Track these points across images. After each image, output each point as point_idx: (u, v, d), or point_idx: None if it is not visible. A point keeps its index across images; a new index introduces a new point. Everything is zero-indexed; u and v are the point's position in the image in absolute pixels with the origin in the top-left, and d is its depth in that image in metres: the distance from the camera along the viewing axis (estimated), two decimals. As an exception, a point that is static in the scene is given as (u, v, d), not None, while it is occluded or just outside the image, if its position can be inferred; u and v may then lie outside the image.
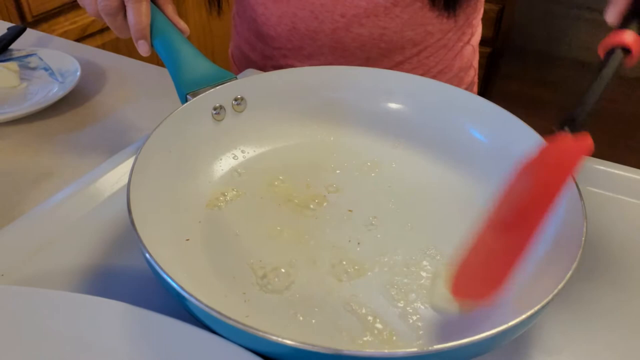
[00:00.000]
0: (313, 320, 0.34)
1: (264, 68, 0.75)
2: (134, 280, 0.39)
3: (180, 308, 0.31)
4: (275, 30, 0.70)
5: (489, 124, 0.46)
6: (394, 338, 0.33)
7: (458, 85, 0.76)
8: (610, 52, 0.37)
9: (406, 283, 0.37)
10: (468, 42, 0.74)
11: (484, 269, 0.33)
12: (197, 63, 0.47)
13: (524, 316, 0.28)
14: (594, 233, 0.41)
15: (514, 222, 0.33)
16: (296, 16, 0.68)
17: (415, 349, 0.27)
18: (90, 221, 0.44)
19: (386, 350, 0.32)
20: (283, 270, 0.38)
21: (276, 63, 0.74)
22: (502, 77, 1.72)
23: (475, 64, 0.79)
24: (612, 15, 0.40)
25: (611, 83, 0.36)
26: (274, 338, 0.27)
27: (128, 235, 0.32)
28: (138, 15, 0.48)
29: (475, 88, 0.82)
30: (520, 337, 0.36)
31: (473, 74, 0.78)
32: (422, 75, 0.71)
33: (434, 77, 0.73)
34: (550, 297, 0.29)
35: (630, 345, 0.36)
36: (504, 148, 0.44)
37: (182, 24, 0.52)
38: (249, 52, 0.77)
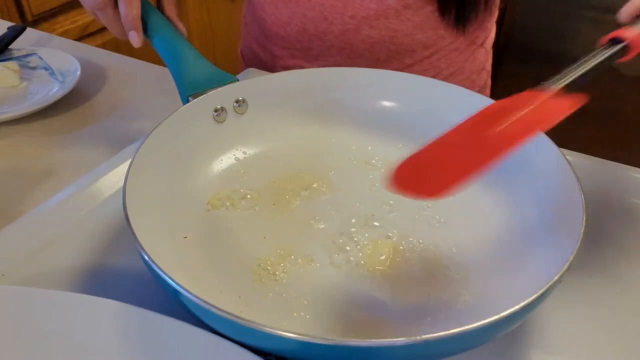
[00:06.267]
0: (307, 316, 0.35)
1: (273, 68, 0.75)
2: (134, 280, 0.39)
3: (179, 308, 0.31)
4: (285, 31, 0.70)
5: None
6: (390, 331, 0.34)
7: (470, 88, 0.75)
8: (608, 44, 0.38)
9: (402, 279, 0.37)
10: (481, 45, 0.74)
11: (433, 168, 0.33)
12: (199, 65, 0.48)
13: (516, 307, 0.28)
14: (594, 232, 0.41)
15: (478, 141, 0.33)
16: (305, 17, 0.68)
17: (403, 338, 0.27)
18: (90, 221, 0.44)
19: (373, 340, 0.32)
20: (279, 267, 0.38)
21: (285, 63, 0.74)
22: (504, 77, 1.72)
23: (488, 66, 0.78)
24: (624, 14, 0.41)
25: (600, 69, 0.37)
26: (268, 330, 0.27)
27: (128, 235, 0.32)
28: (128, 7, 0.49)
29: (488, 91, 0.81)
30: (520, 336, 0.36)
31: (485, 77, 0.78)
32: (432, 77, 0.71)
33: (444, 79, 0.72)
34: (545, 288, 0.29)
35: (630, 345, 0.36)
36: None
37: (181, 26, 0.52)
38: (259, 52, 0.77)
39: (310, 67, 0.72)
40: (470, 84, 0.75)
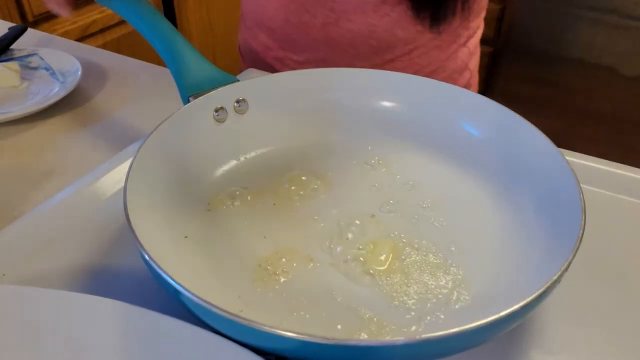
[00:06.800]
0: (307, 316, 0.35)
1: (265, 58, 0.77)
2: (134, 280, 0.39)
3: (179, 307, 0.31)
4: (273, 22, 0.72)
5: (483, 118, 0.46)
6: (389, 331, 0.34)
7: None
8: None
9: (402, 279, 0.37)
10: (464, 44, 0.74)
11: None
12: (199, 66, 0.48)
13: (516, 307, 0.28)
14: (593, 233, 0.41)
15: None
16: (289, 9, 0.69)
17: (403, 338, 0.27)
18: (90, 221, 0.44)
19: (373, 340, 0.32)
20: (279, 267, 0.38)
21: (275, 54, 0.75)
22: (502, 77, 1.72)
23: (472, 66, 0.78)
24: None
25: None
26: (268, 329, 0.27)
27: (128, 235, 0.32)
28: None
29: (473, 90, 0.81)
30: (520, 336, 0.36)
31: (468, 76, 0.78)
32: (413, 74, 0.72)
33: (425, 77, 0.73)
34: (544, 287, 0.29)
35: (630, 345, 0.36)
36: (499, 141, 0.44)
37: None
38: (253, 43, 0.78)
39: (298, 59, 0.74)
40: (451, 83, 0.76)
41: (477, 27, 0.75)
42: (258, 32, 0.76)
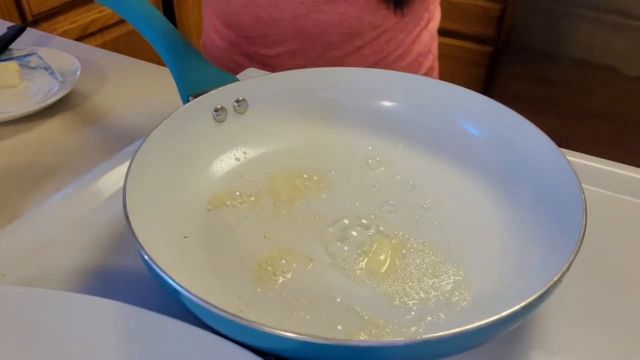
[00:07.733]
0: (307, 316, 0.35)
1: (232, 56, 0.78)
2: (134, 280, 0.39)
3: (179, 308, 0.31)
4: (241, 20, 0.73)
5: (483, 118, 0.46)
6: (390, 331, 0.34)
7: (417, 69, 0.79)
8: None
9: (402, 279, 0.37)
10: (425, 26, 0.77)
11: None
12: (199, 65, 0.48)
13: (516, 307, 0.28)
14: (593, 233, 0.41)
15: None
16: (258, 5, 0.70)
17: (403, 338, 0.27)
18: (90, 221, 0.44)
19: (373, 340, 0.32)
20: (279, 267, 0.38)
21: (244, 50, 0.76)
22: (503, 77, 1.72)
23: (434, 49, 0.81)
24: None
25: None
26: (267, 329, 0.27)
27: (128, 235, 0.32)
28: None
29: (435, 73, 0.84)
30: (520, 336, 0.36)
31: (432, 59, 0.81)
32: (382, 59, 0.75)
33: (394, 61, 0.76)
34: (545, 288, 0.29)
35: (630, 345, 0.36)
36: (499, 141, 0.44)
37: None
38: (218, 41, 0.79)
39: (268, 53, 0.75)
40: (417, 66, 0.79)
41: (434, 9, 0.78)
42: (225, 30, 0.77)
